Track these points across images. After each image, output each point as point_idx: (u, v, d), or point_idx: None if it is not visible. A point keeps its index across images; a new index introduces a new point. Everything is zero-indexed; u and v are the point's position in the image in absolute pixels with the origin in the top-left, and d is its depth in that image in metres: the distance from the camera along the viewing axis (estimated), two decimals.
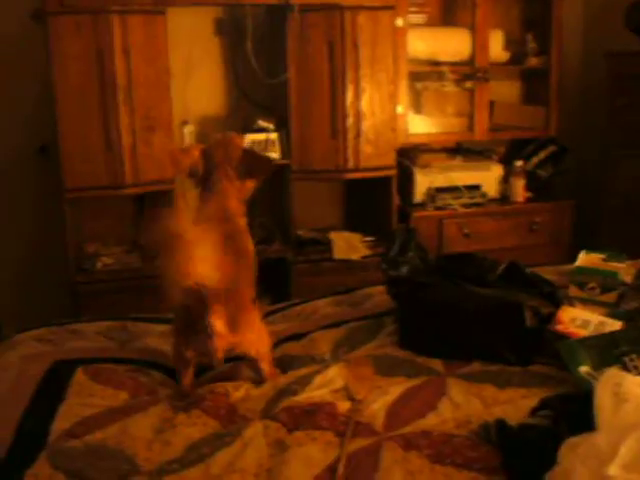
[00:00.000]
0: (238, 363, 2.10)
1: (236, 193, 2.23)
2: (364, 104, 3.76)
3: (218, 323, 1.88)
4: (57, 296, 3.74)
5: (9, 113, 3.67)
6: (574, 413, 1.63)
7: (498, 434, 1.65)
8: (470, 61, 4.06)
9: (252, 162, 2.27)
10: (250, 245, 2.21)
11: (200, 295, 1.81)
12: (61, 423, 1.81)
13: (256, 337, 2.05)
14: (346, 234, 3.96)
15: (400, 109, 3.91)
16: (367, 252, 3.84)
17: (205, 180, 2.24)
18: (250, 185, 2.28)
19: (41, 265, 3.91)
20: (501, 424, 1.67)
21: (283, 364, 2.13)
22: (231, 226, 2.14)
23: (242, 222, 2.22)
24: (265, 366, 2.05)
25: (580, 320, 2.10)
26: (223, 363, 1.99)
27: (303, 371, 2.06)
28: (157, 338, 2.36)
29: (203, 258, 1.78)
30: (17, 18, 3.54)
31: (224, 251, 2.00)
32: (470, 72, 4.08)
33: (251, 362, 2.06)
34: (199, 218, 2.20)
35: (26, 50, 3.68)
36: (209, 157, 2.24)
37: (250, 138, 3.69)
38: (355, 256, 3.82)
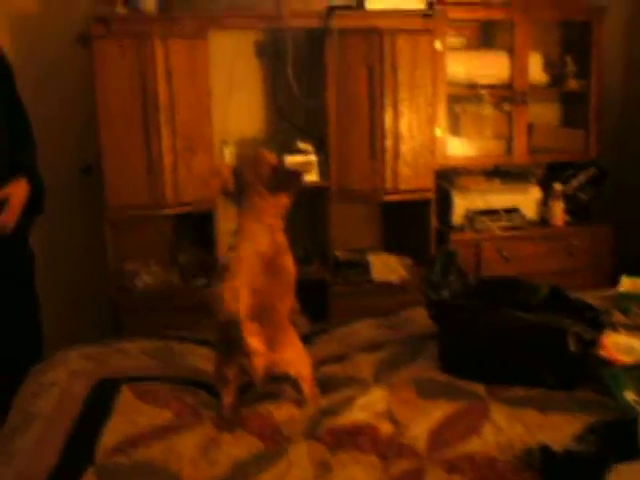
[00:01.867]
0: (280, 382, 2.11)
1: (271, 209, 2.24)
2: (402, 126, 3.78)
3: (254, 341, 1.90)
4: (99, 314, 3.79)
5: (56, 135, 3.74)
6: (620, 440, 1.62)
7: (542, 459, 1.65)
8: (509, 84, 4.06)
9: (282, 177, 2.27)
10: (289, 262, 2.22)
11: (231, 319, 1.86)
12: (108, 440, 1.84)
13: (295, 356, 2.06)
14: (384, 256, 3.97)
15: (438, 132, 3.92)
16: (405, 274, 3.84)
17: (239, 199, 2.26)
18: (285, 200, 2.28)
19: (84, 283, 3.96)
20: (545, 449, 1.66)
21: (323, 385, 2.14)
22: (270, 243, 2.15)
23: (281, 238, 2.23)
24: (306, 386, 2.06)
25: (624, 346, 2.09)
26: (264, 382, 2.01)
27: (344, 393, 2.08)
28: (201, 359, 2.38)
29: (232, 287, 1.85)
30: (64, 42, 3.62)
31: (262, 269, 2.04)
32: (509, 95, 4.07)
33: (292, 382, 2.08)
34: (238, 237, 2.23)
35: (72, 73, 3.76)
36: (240, 175, 2.26)
37: (289, 160, 3.71)
38: (393, 278, 3.82)
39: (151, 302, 3.63)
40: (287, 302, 2.18)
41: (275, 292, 2.09)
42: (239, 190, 2.27)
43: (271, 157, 2.32)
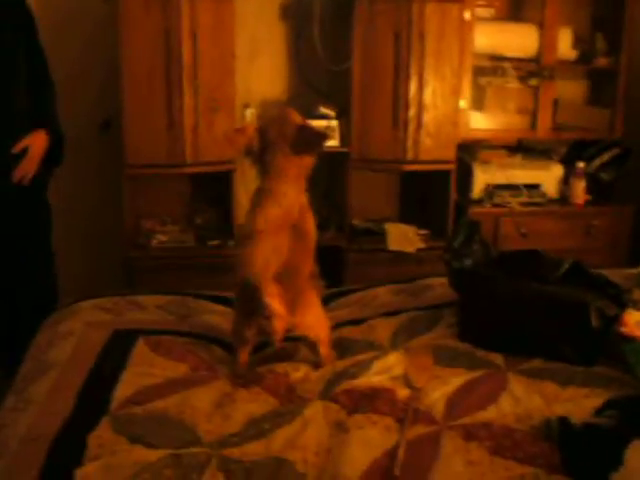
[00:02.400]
0: (296, 343, 2.10)
1: (294, 169, 2.21)
2: (427, 96, 3.73)
3: (276, 304, 1.89)
4: (112, 270, 3.79)
5: (77, 88, 3.72)
6: None
7: (560, 431, 1.63)
8: (536, 58, 3.99)
9: (307, 137, 2.24)
10: (310, 224, 2.18)
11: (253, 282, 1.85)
12: (123, 391, 1.84)
13: (315, 319, 2.06)
14: (401, 226, 3.94)
15: (462, 103, 3.87)
16: (421, 245, 3.82)
17: (262, 158, 2.23)
18: (308, 161, 2.24)
19: (99, 239, 3.96)
20: (564, 421, 1.65)
21: (341, 348, 2.13)
22: (295, 204, 2.13)
23: (303, 199, 2.20)
24: (324, 349, 2.06)
25: None
26: (282, 343, 2.00)
27: (361, 356, 2.07)
28: (217, 316, 2.38)
29: (256, 250, 1.88)
30: None
31: (287, 231, 2.02)
32: (536, 69, 4.01)
33: (309, 344, 2.07)
34: (262, 197, 2.20)
35: (95, 28, 3.72)
36: (264, 134, 2.22)
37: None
38: (409, 248, 3.79)
39: (166, 261, 3.63)
40: (308, 265, 2.17)
41: (298, 254, 2.07)
42: (262, 149, 2.24)
43: (296, 116, 2.28)
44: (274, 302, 1.90)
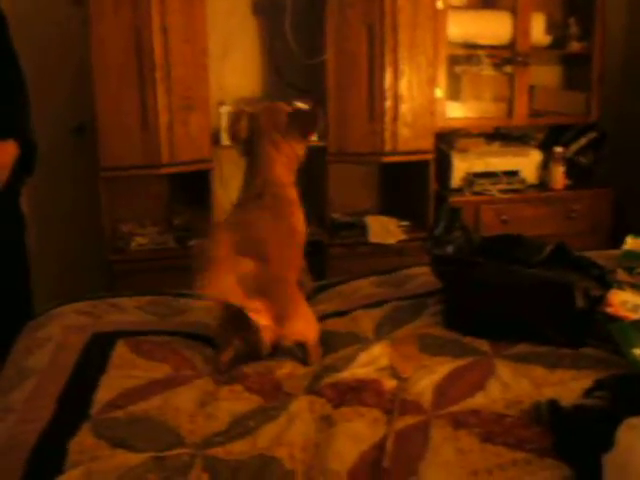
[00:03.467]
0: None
1: (284, 160, 2.17)
2: (402, 87, 3.71)
3: (262, 318, 1.85)
4: (93, 275, 3.75)
5: (47, 94, 3.66)
6: (630, 394, 1.58)
7: (551, 414, 1.60)
8: (510, 45, 3.98)
9: (299, 118, 2.21)
10: (299, 221, 2.15)
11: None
12: (103, 394, 1.79)
13: (304, 324, 2.00)
14: (382, 218, 3.92)
15: (439, 93, 3.86)
16: (403, 236, 3.80)
17: (250, 148, 2.19)
18: (300, 151, 2.21)
19: (78, 245, 3.91)
20: (554, 405, 1.62)
21: (325, 341, 2.08)
22: (279, 201, 2.09)
23: (291, 193, 2.16)
24: (312, 351, 2.01)
25: (630, 304, 2.04)
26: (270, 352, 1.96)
27: (346, 349, 2.03)
28: (199, 312, 2.34)
29: (225, 274, 1.82)
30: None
31: (273, 230, 1.98)
32: (510, 56, 4.00)
33: (298, 345, 2.02)
34: (246, 193, 2.16)
35: (63, 31, 3.67)
36: (254, 121, 2.19)
37: None
38: (391, 240, 3.77)
39: (146, 263, 3.59)
40: (297, 266, 2.12)
41: (285, 259, 2.03)
42: (250, 140, 2.19)
43: (287, 107, 2.26)
44: (260, 317, 1.86)
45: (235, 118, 2.23)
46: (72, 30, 3.51)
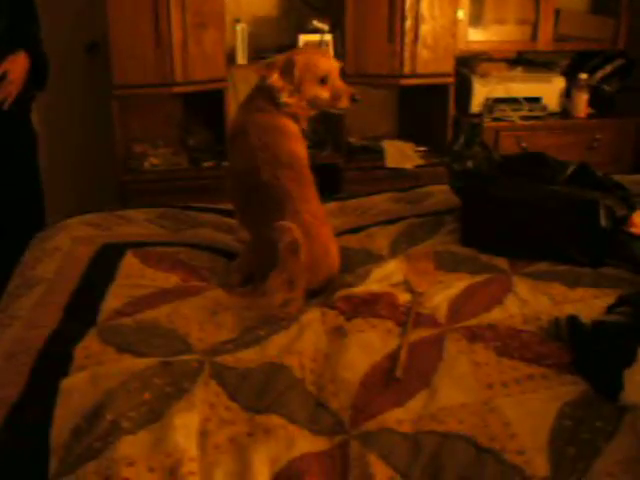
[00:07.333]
0: None
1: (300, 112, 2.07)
2: (424, 7, 3.58)
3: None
4: (105, 195, 3.70)
5: (60, 9, 3.57)
6: None
7: (570, 330, 1.55)
8: None
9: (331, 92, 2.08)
10: (299, 149, 2.05)
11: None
12: (111, 302, 1.76)
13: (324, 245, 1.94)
14: (399, 143, 3.83)
15: (461, 14, 3.72)
16: (420, 162, 3.72)
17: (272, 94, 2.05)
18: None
19: (90, 165, 3.87)
20: (574, 321, 1.57)
21: (341, 257, 2.02)
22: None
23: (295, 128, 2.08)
24: None
25: None
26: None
27: (360, 265, 1.97)
28: (209, 226, 2.29)
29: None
30: None
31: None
32: None
33: None
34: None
35: None
36: (287, 72, 2.05)
37: (304, 39, 3.55)
38: (408, 165, 3.69)
39: (159, 184, 3.55)
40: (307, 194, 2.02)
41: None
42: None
43: (327, 62, 2.10)
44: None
45: (270, 69, 2.05)
46: None
